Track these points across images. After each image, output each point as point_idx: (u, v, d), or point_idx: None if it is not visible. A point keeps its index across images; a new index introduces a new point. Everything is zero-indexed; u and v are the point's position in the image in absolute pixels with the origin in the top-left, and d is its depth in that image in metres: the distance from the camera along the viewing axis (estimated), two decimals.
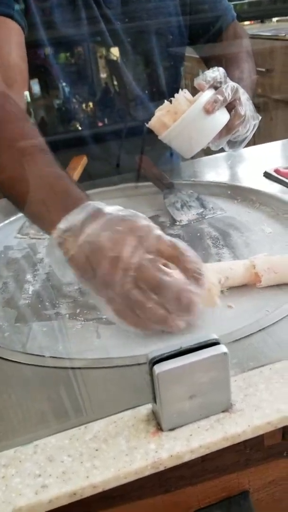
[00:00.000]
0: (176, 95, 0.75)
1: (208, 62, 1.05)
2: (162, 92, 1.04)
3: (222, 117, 0.76)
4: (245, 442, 0.41)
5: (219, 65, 0.80)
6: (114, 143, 1.06)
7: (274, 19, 2.52)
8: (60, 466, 0.38)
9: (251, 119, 0.81)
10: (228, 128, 0.78)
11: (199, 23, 1.02)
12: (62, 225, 0.54)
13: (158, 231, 0.54)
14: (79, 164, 0.93)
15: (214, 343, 0.39)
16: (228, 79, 0.78)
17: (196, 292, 0.51)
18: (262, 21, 2.46)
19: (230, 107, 0.78)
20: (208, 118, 0.74)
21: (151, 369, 0.38)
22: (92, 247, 0.52)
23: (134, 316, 0.51)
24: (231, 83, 0.77)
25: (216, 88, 0.76)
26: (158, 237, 0.53)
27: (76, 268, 0.53)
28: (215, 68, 0.78)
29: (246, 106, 0.80)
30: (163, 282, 0.50)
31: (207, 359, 0.38)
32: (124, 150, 1.06)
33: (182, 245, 0.53)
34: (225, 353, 0.39)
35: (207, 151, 1.06)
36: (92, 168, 1.00)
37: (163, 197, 0.84)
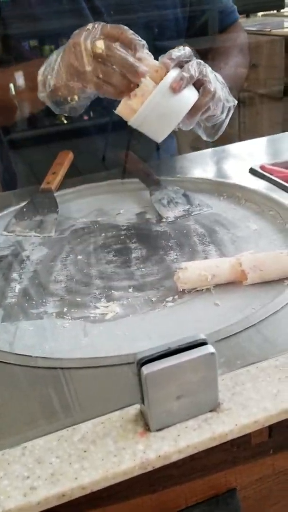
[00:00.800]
0: (142, 78, 0.72)
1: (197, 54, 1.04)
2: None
3: (190, 95, 0.72)
4: (232, 440, 0.41)
5: (207, 57, 0.80)
6: (100, 137, 1.06)
7: (259, 14, 2.51)
8: (49, 467, 0.38)
9: (224, 101, 0.79)
10: (197, 106, 0.74)
11: (198, 17, 1.01)
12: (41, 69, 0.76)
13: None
14: (66, 159, 0.92)
15: (202, 343, 0.40)
16: (194, 58, 0.76)
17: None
18: (247, 16, 2.46)
19: (198, 84, 0.74)
20: (176, 98, 0.70)
21: (139, 369, 0.38)
22: (65, 63, 0.73)
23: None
24: (197, 60, 0.75)
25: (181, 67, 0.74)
26: (103, 25, 0.71)
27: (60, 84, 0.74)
28: (181, 47, 0.75)
29: (216, 84, 0.77)
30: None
31: (195, 359, 0.39)
32: (110, 144, 1.05)
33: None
34: (212, 353, 0.39)
35: (194, 147, 1.05)
36: (78, 162, 1.00)
37: (149, 194, 0.84)
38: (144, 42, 0.72)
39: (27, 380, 0.47)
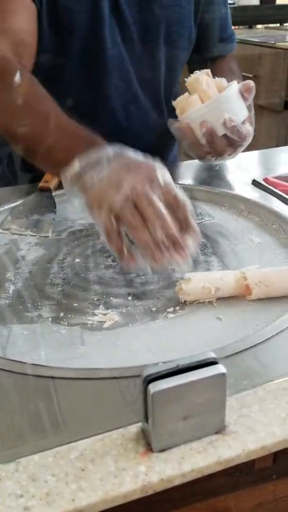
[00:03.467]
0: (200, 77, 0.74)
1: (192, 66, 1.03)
2: (138, 95, 1.00)
3: (245, 110, 0.75)
4: (236, 465, 0.39)
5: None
6: None
7: (259, 26, 2.52)
8: (44, 486, 0.35)
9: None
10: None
11: (204, 37, 1.00)
12: (80, 162, 0.60)
13: (169, 180, 0.58)
14: None
15: (212, 362, 0.38)
16: None
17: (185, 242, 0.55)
18: (250, 27, 2.46)
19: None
20: (239, 103, 0.74)
21: (145, 387, 0.36)
22: (109, 179, 0.57)
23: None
24: None
25: None
26: (167, 184, 0.57)
27: (87, 196, 0.59)
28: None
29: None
30: (161, 213, 0.54)
31: (205, 379, 0.37)
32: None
33: (182, 198, 0.57)
34: (223, 374, 0.37)
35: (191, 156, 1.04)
36: None
37: None
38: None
39: (20, 390, 0.45)
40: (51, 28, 0.83)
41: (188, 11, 0.93)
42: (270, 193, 0.83)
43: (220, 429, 0.39)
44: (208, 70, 0.81)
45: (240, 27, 2.45)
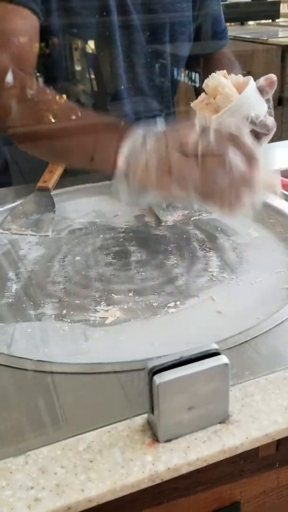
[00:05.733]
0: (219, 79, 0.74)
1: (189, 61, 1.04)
2: (141, 88, 1.01)
3: (265, 104, 0.76)
4: (240, 453, 0.40)
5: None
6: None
7: (251, 22, 2.52)
8: (53, 478, 0.36)
9: None
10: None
11: (199, 32, 1.01)
12: (124, 153, 0.58)
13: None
14: None
15: (215, 353, 0.39)
16: None
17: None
18: (242, 23, 2.46)
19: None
20: (259, 99, 0.74)
21: (151, 379, 0.37)
22: (157, 156, 0.56)
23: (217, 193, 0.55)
24: None
25: None
26: (216, 130, 0.56)
27: (150, 183, 0.57)
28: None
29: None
30: (232, 160, 0.54)
31: (208, 370, 0.37)
32: None
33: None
34: (226, 364, 0.38)
35: None
36: None
37: None
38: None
39: (27, 386, 0.46)
40: (61, 31, 0.85)
41: (187, 8, 0.95)
42: None
43: (224, 419, 0.40)
44: (224, 71, 0.81)
45: (232, 24, 2.46)
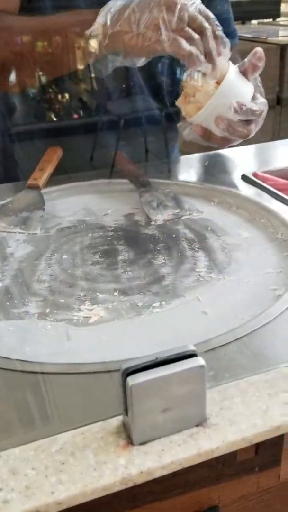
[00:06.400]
0: (205, 78, 0.74)
1: None
2: (141, 87, 1.02)
3: (248, 89, 0.75)
4: (218, 457, 0.39)
5: None
6: (88, 136, 1.04)
7: (254, 21, 2.51)
8: (24, 479, 0.35)
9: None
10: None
11: None
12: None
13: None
14: (54, 156, 0.90)
15: (191, 355, 0.38)
16: None
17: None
18: (243, 22, 2.46)
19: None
20: (242, 83, 0.74)
21: (124, 380, 0.36)
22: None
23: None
24: None
25: None
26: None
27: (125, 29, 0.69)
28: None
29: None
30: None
31: (183, 371, 0.37)
32: (99, 144, 1.04)
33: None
34: (202, 366, 0.37)
35: (184, 151, 1.04)
36: (65, 161, 0.98)
37: (139, 195, 0.82)
38: (227, 41, 0.73)
39: (4, 384, 0.45)
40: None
41: None
42: (259, 188, 0.83)
43: (201, 422, 0.39)
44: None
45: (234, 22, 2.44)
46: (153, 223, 0.77)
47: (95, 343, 0.52)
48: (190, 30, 0.70)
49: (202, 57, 0.71)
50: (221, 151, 1.03)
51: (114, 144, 1.00)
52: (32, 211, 0.79)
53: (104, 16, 0.72)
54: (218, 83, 0.75)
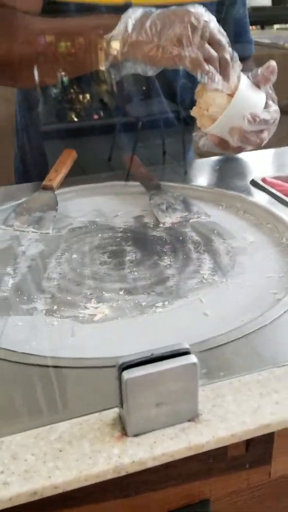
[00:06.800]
0: (215, 93, 0.77)
1: None
2: (159, 90, 1.04)
3: (262, 95, 0.79)
4: (208, 452, 0.41)
5: None
6: (107, 137, 1.06)
7: (275, 27, 2.52)
8: (24, 464, 0.38)
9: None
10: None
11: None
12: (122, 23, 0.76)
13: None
14: (69, 158, 0.92)
15: (185, 353, 0.40)
16: None
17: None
18: (262, 27, 2.46)
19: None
20: (254, 93, 0.78)
21: (120, 374, 0.38)
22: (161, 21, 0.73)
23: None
24: None
25: None
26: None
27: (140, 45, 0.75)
28: None
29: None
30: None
31: (176, 368, 0.39)
32: (117, 146, 1.06)
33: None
34: (194, 364, 0.39)
35: (200, 154, 1.06)
36: (83, 161, 1.00)
37: (149, 198, 0.84)
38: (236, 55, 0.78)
39: (10, 376, 0.48)
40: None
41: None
42: (267, 193, 0.85)
43: (193, 417, 0.41)
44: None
45: (253, 27, 2.46)
46: (161, 225, 0.79)
47: (98, 339, 0.54)
48: (210, 48, 0.73)
49: (219, 76, 0.73)
50: (235, 156, 1.04)
51: (131, 146, 1.02)
52: (45, 211, 0.81)
53: (125, 23, 0.75)
54: (231, 95, 0.78)
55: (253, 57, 1.12)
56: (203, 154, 1.09)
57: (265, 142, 0.83)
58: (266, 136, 0.82)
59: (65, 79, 1.00)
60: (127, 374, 0.38)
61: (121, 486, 0.41)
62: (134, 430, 0.40)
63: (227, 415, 0.42)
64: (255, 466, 0.45)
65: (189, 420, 0.41)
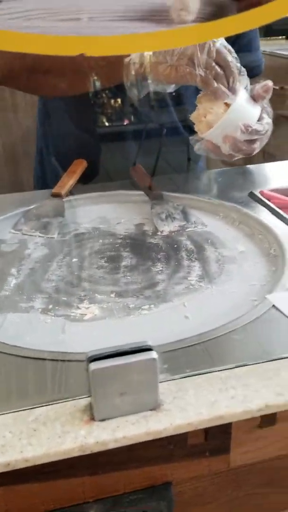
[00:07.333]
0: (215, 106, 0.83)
1: None
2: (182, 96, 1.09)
3: (258, 108, 0.84)
4: (169, 438, 0.46)
5: None
6: (133, 143, 1.12)
7: None
8: (1, 440, 0.44)
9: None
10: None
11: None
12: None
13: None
14: (79, 168, 0.99)
15: (147, 349, 0.45)
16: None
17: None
18: (287, 38, 2.49)
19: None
20: (250, 107, 0.83)
21: (88, 366, 0.44)
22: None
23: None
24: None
25: None
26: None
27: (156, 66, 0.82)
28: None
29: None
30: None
31: (137, 362, 0.44)
32: (142, 151, 1.11)
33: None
34: (154, 359, 0.44)
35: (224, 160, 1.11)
36: (109, 165, 1.06)
37: (150, 207, 0.90)
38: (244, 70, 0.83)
39: (4, 366, 0.53)
40: None
41: None
42: (263, 205, 0.89)
43: (155, 407, 0.46)
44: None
45: (278, 37, 2.49)
46: (159, 233, 0.84)
47: (86, 337, 0.60)
48: (216, 67, 0.79)
49: (227, 92, 0.80)
50: (239, 169, 1.09)
51: (156, 151, 1.07)
52: (52, 217, 0.87)
53: None
54: (228, 105, 0.83)
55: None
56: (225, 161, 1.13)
57: (255, 151, 0.88)
58: (257, 146, 0.87)
59: (98, 83, 1.06)
60: (93, 365, 0.43)
61: (88, 465, 0.47)
62: (100, 415, 0.45)
63: (186, 406, 0.47)
64: (214, 454, 0.50)
65: (151, 409, 0.46)
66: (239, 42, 1.06)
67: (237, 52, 1.05)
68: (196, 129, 0.88)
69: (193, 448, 0.49)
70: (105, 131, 1.14)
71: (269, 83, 0.86)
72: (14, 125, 2.16)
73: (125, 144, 1.13)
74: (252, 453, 0.51)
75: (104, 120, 1.13)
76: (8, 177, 2.20)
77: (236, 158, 0.90)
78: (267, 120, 0.88)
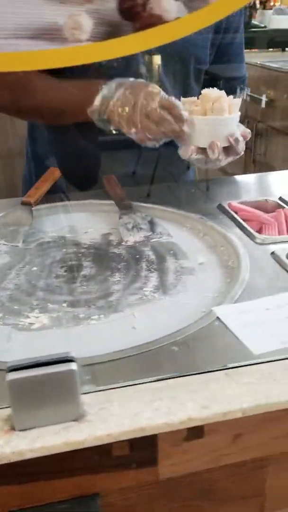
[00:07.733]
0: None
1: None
2: None
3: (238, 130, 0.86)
4: (93, 449, 0.47)
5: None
6: (132, 152, 1.12)
7: None
8: None
9: None
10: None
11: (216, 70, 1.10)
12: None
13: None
14: (51, 177, 0.99)
15: (69, 360, 0.45)
16: None
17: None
18: (283, 50, 2.49)
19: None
20: (236, 127, 0.86)
21: (6, 375, 0.44)
22: (120, 102, 0.85)
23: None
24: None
25: None
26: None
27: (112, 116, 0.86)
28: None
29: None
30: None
31: (56, 373, 0.44)
32: (142, 160, 1.12)
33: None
34: (73, 370, 0.45)
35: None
36: (109, 174, 1.07)
37: (118, 217, 0.90)
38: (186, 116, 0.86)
39: None
40: None
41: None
42: (229, 217, 0.89)
43: (77, 418, 0.47)
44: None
45: (275, 49, 2.49)
46: (123, 243, 0.84)
47: (31, 346, 0.61)
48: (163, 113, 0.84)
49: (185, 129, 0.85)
50: (215, 180, 1.09)
51: (155, 161, 1.08)
52: (19, 225, 0.88)
53: (100, 96, 0.87)
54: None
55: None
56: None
57: (222, 164, 0.88)
58: (230, 159, 0.87)
59: None
60: (11, 375, 0.44)
61: (14, 474, 0.47)
62: (20, 425, 0.45)
63: (109, 417, 0.47)
64: (142, 466, 0.50)
65: (73, 420, 0.47)
66: (226, 57, 1.08)
67: (225, 63, 1.07)
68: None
69: (119, 459, 0.49)
70: (105, 140, 1.14)
71: (248, 133, 0.88)
72: (10, 132, 2.18)
73: (124, 153, 1.13)
74: (180, 466, 0.51)
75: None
76: (3, 182, 2.22)
77: (224, 163, 0.90)
78: (244, 135, 0.88)
